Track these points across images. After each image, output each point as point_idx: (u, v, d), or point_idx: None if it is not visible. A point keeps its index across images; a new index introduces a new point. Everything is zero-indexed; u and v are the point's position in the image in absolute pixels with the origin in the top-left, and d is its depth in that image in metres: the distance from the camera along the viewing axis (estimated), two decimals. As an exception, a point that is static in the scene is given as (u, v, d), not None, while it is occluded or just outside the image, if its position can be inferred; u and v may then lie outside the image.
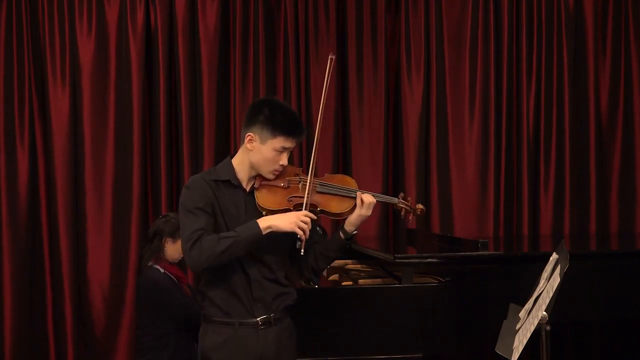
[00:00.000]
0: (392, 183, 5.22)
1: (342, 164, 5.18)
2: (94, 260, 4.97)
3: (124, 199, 4.99)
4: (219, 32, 5.07)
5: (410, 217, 3.19)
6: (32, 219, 5.02)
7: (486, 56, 5.20)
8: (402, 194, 3.19)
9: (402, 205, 3.14)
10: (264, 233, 2.87)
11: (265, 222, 2.87)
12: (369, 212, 3.02)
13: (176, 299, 4.04)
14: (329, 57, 3.07)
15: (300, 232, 2.86)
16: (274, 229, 2.87)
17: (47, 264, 5.01)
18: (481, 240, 3.82)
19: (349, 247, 3.11)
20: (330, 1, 5.16)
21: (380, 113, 5.17)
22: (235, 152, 3.10)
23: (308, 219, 2.88)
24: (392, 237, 5.18)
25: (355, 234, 3.07)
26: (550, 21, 5.24)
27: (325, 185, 3.02)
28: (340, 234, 3.05)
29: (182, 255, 3.74)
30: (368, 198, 3.00)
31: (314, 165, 3.00)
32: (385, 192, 5.10)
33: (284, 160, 2.97)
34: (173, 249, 4.14)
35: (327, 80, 3.06)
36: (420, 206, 3.18)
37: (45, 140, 5.01)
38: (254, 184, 3.01)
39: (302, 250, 2.88)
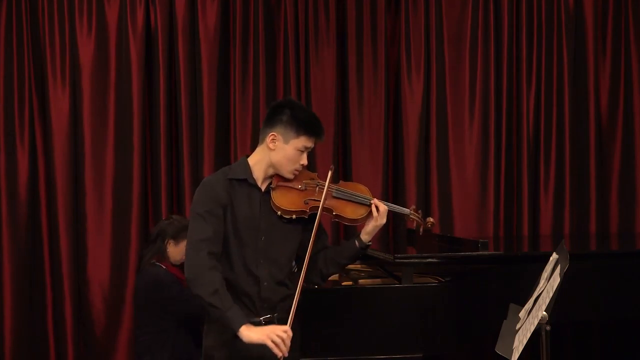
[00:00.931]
0: (392, 183, 5.23)
1: (342, 164, 5.18)
2: (94, 260, 4.97)
3: (124, 199, 4.99)
4: (219, 32, 5.07)
5: (421, 230, 3.25)
6: (32, 219, 5.02)
7: (486, 56, 5.20)
8: (413, 207, 3.27)
9: (413, 217, 3.22)
10: (237, 332, 2.84)
11: (244, 331, 2.84)
12: (384, 220, 3.08)
13: (177, 293, 4.03)
14: (330, 168, 3.10)
15: (271, 345, 2.81)
16: (245, 340, 2.84)
17: (47, 264, 5.01)
18: (481, 240, 3.83)
19: (360, 256, 3.17)
20: (330, 1, 5.16)
21: (380, 113, 5.17)
22: (237, 153, 3.11)
23: (285, 335, 2.82)
24: (392, 237, 5.18)
25: (370, 244, 3.12)
26: (550, 21, 5.24)
27: (341, 191, 3.08)
28: (356, 242, 3.11)
29: (183, 258, 3.74)
30: (382, 206, 3.06)
31: (333, 171, 3.06)
32: (385, 192, 5.12)
33: (304, 160, 3.02)
34: (175, 251, 4.14)
35: (326, 187, 3.05)
36: (430, 219, 3.25)
37: (45, 140, 5.01)
38: (270, 183, 3.03)
39: None
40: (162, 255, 4.16)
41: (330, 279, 4.18)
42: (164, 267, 4.13)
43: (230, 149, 5.04)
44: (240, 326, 2.85)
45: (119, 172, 5.01)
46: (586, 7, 5.26)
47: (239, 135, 5.02)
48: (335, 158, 5.16)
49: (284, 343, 2.81)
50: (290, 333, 2.85)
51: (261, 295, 2.97)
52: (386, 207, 3.07)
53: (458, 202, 5.18)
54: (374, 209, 3.05)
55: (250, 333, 2.85)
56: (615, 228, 5.34)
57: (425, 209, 5.10)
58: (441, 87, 5.20)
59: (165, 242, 4.14)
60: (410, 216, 3.20)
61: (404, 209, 3.24)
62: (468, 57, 5.20)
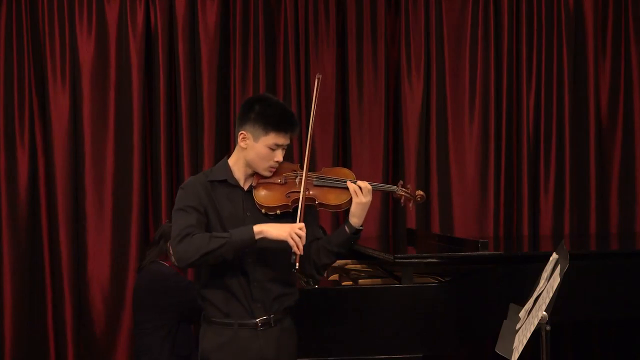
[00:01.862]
0: (391, 183, 5.21)
1: (342, 164, 5.18)
2: (94, 260, 4.97)
3: (124, 199, 4.99)
4: (219, 32, 5.07)
5: (410, 205, 3.16)
6: (32, 219, 5.02)
7: (486, 56, 5.20)
8: (401, 182, 3.18)
9: (401, 193, 3.12)
10: (256, 238, 2.83)
11: (259, 228, 2.84)
12: (368, 198, 2.96)
13: (183, 284, 4.05)
14: (317, 76, 3.06)
15: (292, 242, 2.80)
16: (266, 236, 2.83)
17: (47, 264, 5.01)
18: (481, 240, 3.82)
19: (352, 243, 3.07)
20: (330, 1, 5.17)
21: (380, 113, 5.17)
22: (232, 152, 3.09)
23: (303, 233, 2.82)
24: (392, 237, 5.18)
25: (361, 229, 3.01)
26: (550, 21, 5.24)
27: (322, 179, 3.01)
28: (346, 228, 2.99)
29: None
30: (355, 186, 2.96)
31: (308, 159, 2.98)
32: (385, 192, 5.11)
33: (278, 156, 2.96)
34: None
35: (315, 98, 3.05)
36: (420, 192, 3.14)
37: (45, 140, 5.01)
38: (252, 182, 3.01)
39: (297, 265, 2.81)
40: (164, 256, 4.17)
41: (330, 278, 4.20)
42: (167, 264, 4.15)
43: (230, 149, 5.01)
44: (252, 230, 2.83)
45: (119, 172, 5.01)
46: (586, 7, 5.26)
47: (239, 135, 5.02)
48: (336, 158, 5.16)
49: (302, 240, 2.81)
50: (305, 229, 2.84)
51: (253, 295, 2.94)
52: (365, 184, 2.97)
53: (458, 202, 5.18)
54: (352, 188, 2.96)
55: (269, 228, 2.84)
56: (615, 228, 5.34)
57: (425, 209, 5.11)
58: (441, 87, 5.20)
59: (168, 243, 4.14)
60: (399, 192, 3.11)
61: (391, 186, 3.16)
62: (468, 57, 5.20)
